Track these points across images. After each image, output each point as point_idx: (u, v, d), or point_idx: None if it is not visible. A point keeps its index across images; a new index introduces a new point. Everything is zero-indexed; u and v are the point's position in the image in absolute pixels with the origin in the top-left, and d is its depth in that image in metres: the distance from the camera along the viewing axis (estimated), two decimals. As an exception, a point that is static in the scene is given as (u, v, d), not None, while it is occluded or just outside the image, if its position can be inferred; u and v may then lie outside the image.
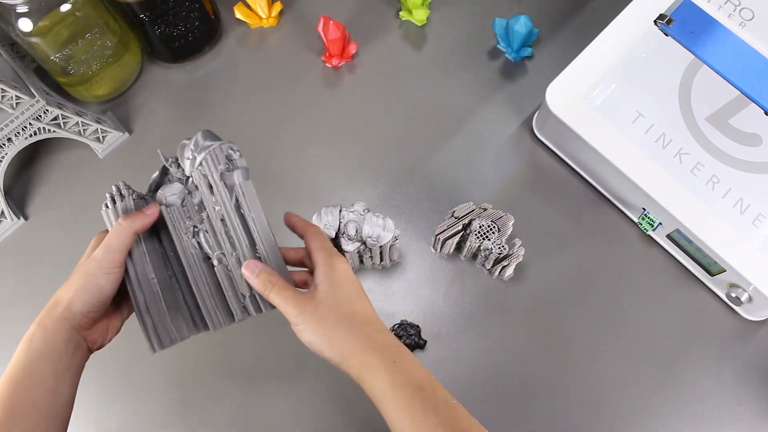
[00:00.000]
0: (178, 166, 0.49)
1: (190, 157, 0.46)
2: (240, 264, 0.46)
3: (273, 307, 0.46)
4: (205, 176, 0.46)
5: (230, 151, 0.46)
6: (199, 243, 0.48)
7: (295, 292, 0.44)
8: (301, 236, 0.48)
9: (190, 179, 0.48)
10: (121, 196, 0.48)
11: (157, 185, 0.50)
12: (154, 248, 0.48)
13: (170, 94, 0.74)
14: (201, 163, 0.46)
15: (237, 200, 0.46)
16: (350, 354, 0.41)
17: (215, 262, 0.47)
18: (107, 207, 0.48)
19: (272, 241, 0.46)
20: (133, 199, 0.48)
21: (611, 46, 0.64)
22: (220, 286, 0.47)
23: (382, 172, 0.69)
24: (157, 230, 0.49)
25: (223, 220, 0.46)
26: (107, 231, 0.47)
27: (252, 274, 0.44)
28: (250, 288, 0.46)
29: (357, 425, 0.60)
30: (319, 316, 0.42)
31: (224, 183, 0.46)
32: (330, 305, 0.43)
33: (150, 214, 0.46)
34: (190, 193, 0.49)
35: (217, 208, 0.46)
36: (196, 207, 0.49)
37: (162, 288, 0.47)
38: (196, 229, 0.48)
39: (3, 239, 0.68)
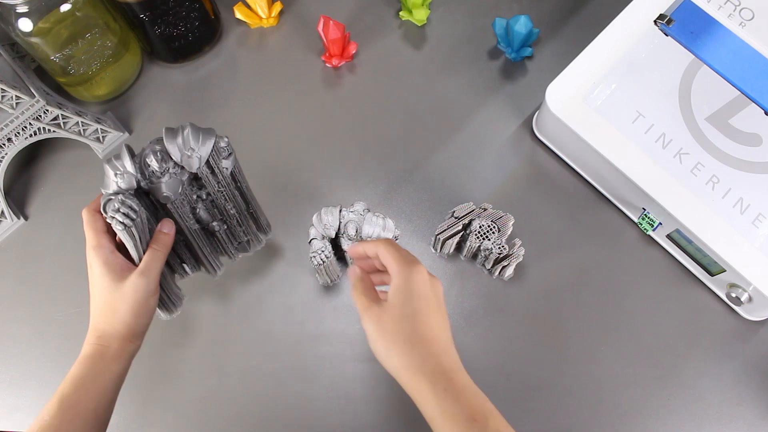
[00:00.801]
0: (163, 157, 0.51)
1: (191, 155, 0.51)
2: (239, 222, 0.58)
3: (253, 242, 0.60)
4: (211, 168, 0.53)
5: (224, 142, 0.53)
6: (197, 219, 0.56)
7: (369, 300, 0.44)
8: (375, 257, 0.47)
9: (176, 166, 0.52)
10: (135, 211, 0.50)
11: (142, 174, 0.51)
12: (151, 218, 0.54)
13: (170, 94, 0.74)
14: (208, 160, 0.52)
15: (233, 177, 0.55)
16: (402, 373, 0.41)
17: (216, 227, 0.57)
18: (125, 226, 0.49)
19: (255, 198, 0.59)
20: (137, 209, 0.51)
21: (611, 46, 0.64)
22: (216, 244, 0.59)
23: (382, 172, 0.69)
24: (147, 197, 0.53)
25: (224, 195, 0.55)
26: (96, 206, 0.49)
27: (351, 276, 0.48)
28: (245, 234, 0.59)
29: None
30: (380, 326, 0.42)
31: (225, 168, 0.54)
32: (393, 319, 0.42)
33: (169, 233, 0.52)
34: (181, 180, 0.53)
35: (220, 188, 0.55)
36: (188, 187, 0.54)
37: (168, 271, 0.56)
38: (193, 208, 0.55)
39: (3, 239, 0.68)
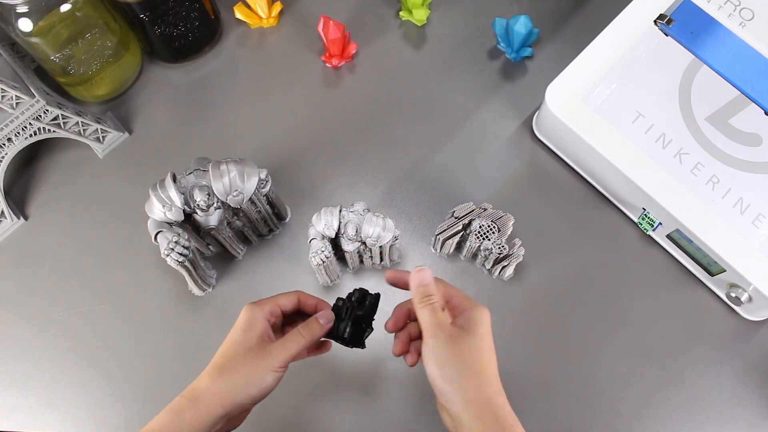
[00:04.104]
0: (210, 193, 0.55)
1: (236, 195, 0.55)
2: (266, 222, 0.63)
3: (273, 231, 0.65)
4: (253, 202, 0.58)
5: (263, 174, 0.57)
6: (229, 225, 0.61)
7: (447, 317, 0.43)
8: (411, 286, 0.46)
9: (220, 200, 0.56)
10: (187, 248, 0.55)
11: (186, 203, 0.55)
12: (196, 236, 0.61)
13: (170, 94, 0.74)
14: (251, 197, 0.56)
15: (268, 197, 0.61)
16: (470, 401, 0.40)
17: (244, 228, 0.62)
18: (179, 263, 0.55)
19: (280, 197, 0.64)
20: (188, 245, 0.56)
21: (611, 46, 0.64)
22: (241, 236, 0.64)
23: (382, 172, 0.69)
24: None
25: (259, 211, 0.61)
26: (257, 306, 0.46)
27: (417, 285, 0.45)
28: (267, 225, 0.64)
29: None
30: (456, 351, 0.41)
31: (263, 195, 0.59)
32: (470, 348, 0.42)
33: (324, 326, 0.46)
34: (224, 211, 0.58)
35: (257, 210, 0.60)
36: (227, 211, 0.59)
37: (199, 255, 0.62)
38: (229, 223, 0.60)
39: (3, 239, 0.68)
